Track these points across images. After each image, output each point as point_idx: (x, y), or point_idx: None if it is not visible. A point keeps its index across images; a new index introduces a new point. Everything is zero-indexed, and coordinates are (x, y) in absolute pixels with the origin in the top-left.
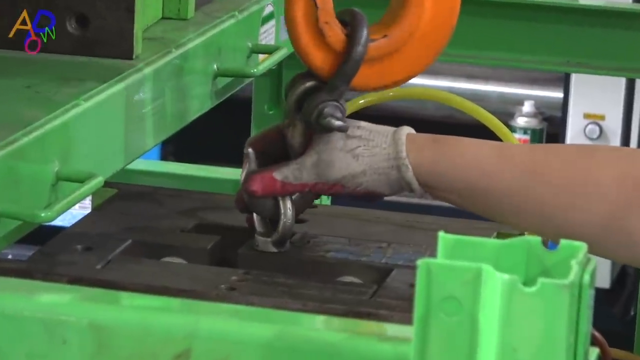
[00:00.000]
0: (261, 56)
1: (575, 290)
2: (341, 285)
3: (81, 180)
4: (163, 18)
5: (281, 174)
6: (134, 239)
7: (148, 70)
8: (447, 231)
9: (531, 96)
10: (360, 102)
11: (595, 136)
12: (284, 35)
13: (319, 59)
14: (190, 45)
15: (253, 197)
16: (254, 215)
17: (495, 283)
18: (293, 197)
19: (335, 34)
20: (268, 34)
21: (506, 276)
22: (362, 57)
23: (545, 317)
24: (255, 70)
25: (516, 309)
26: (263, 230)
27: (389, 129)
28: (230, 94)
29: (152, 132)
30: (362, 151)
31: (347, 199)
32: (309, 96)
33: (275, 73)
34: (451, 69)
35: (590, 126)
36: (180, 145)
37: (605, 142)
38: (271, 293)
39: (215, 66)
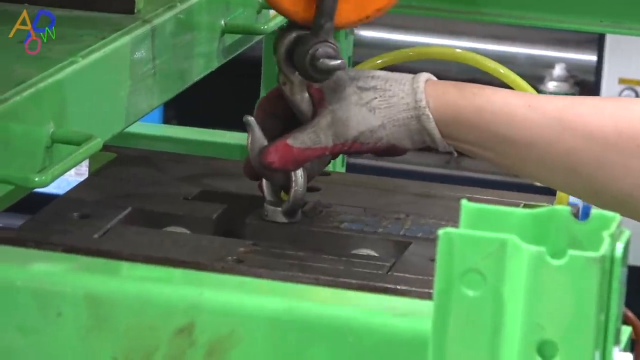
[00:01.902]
0: (272, 12)
1: (607, 263)
2: (356, 259)
3: (78, 143)
4: None
5: (297, 140)
6: (133, 207)
7: (150, 25)
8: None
9: (562, 59)
10: (378, 62)
11: None
12: None
13: (290, 3)
14: None
15: (272, 172)
16: (264, 182)
17: (520, 255)
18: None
19: None
20: None
21: (533, 248)
22: None
23: (573, 293)
24: (265, 26)
25: (543, 283)
26: (273, 199)
27: (407, 76)
28: (238, 52)
29: (154, 93)
30: (379, 103)
31: (362, 168)
32: (296, 47)
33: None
34: (475, 29)
35: (625, 92)
36: (183, 108)
37: None
38: (281, 266)
39: (222, 22)
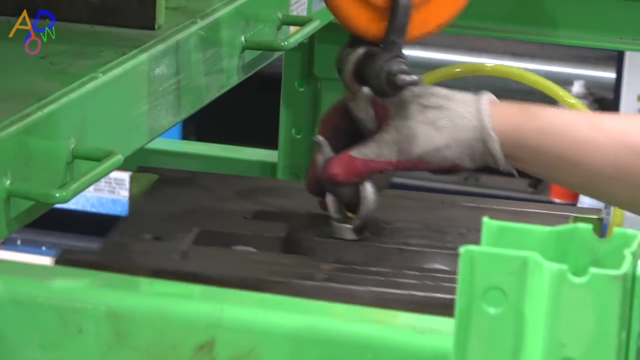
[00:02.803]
0: (292, 28)
1: (629, 282)
2: (439, 274)
3: (98, 159)
4: None
5: (360, 152)
6: (200, 227)
7: (171, 41)
8: (520, 214)
9: (581, 76)
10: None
11: None
12: (317, 6)
13: (364, 20)
14: (217, 15)
15: (335, 185)
16: (329, 199)
17: (542, 273)
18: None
19: None
20: (300, 4)
21: (554, 266)
22: (410, 3)
23: (595, 311)
24: (285, 43)
25: (565, 301)
26: (339, 216)
27: (469, 96)
28: (258, 68)
29: (175, 109)
30: (445, 123)
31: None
32: (366, 63)
33: (307, 47)
34: (495, 46)
35: None
36: (203, 124)
37: None
38: (371, 283)
39: (243, 38)
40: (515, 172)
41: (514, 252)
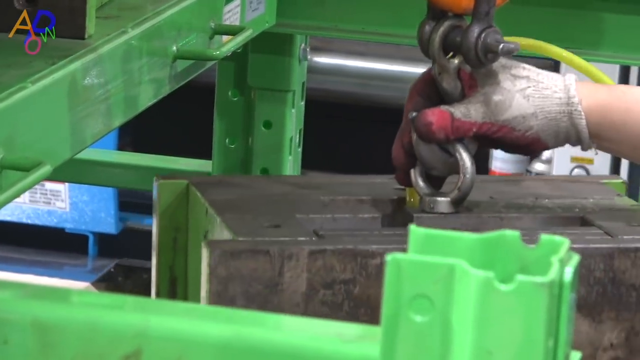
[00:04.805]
0: (225, 37)
1: (555, 289)
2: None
3: (27, 169)
4: None
5: (448, 111)
6: (300, 215)
7: (101, 51)
8: (553, 182)
9: None
10: None
11: None
12: (250, 15)
13: None
14: (148, 24)
15: (429, 133)
16: (417, 171)
17: (469, 280)
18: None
19: None
20: (233, 13)
21: (481, 273)
22: None
23: (522, 318)
24: (217, 52)
25: (492, 308)
26: (428, 191)
27: (555, 73)
28: (190, 77)
29: (105, 119)
30: (532, 92)
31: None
32: (456, 35)
33: (240, 56)
34: None
35: (576, 170)
36: (138, 134)
37: None
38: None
39: (174, 48)
40: (596, 151)
41: (440, 260)
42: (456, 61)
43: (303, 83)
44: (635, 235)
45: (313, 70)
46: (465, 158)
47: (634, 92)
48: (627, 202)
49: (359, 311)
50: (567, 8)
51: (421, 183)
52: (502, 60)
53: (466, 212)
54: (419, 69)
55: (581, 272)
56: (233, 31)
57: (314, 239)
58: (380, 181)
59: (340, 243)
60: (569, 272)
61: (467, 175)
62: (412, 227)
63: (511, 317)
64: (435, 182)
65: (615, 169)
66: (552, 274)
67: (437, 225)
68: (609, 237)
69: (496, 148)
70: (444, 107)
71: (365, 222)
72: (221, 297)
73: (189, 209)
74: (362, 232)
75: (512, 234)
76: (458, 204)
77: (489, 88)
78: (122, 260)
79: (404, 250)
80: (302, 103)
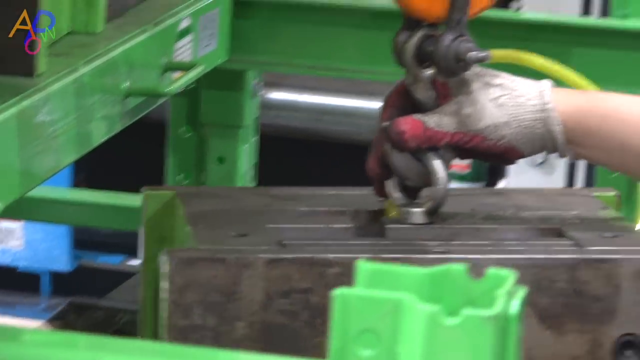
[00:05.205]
0: (176, 74)
1: (501, 322)
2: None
3: None
4: (70, 32)
5: (421, 119)
6: (270, 225)
7: (52, 89)
8: (543, 196)
9: None
10: None
11: None
12: (202, 51)
13: (425, 2)
14: (99, 61)
15: (402, 142)
16: (392, 182)
17: (415, 315)
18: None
19: None
20: (184, 49)
21: (427, 307)
22: None
23: (469, 352)
24: (170, 88)
25: (438, 342)
26: (404, 202)
27: (530, 80)
28: (143, 114)
29: (57, 156)
30: (506, 100)
31: None
32: (429, 44)
33: (192, 92)
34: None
35: None
36: (93, 171)
37: None
38: (484, 252)
39: (126, 84)
40: (573, 158)
41: (387, 294)
42: (430, 71)
43: (256, 118)
44: (604, 246)
45: (266, 105)
46: (438, 168)
47: (611, 98)
48: (610, 214)
49: (317, 321)
50: None
51: (396, 194)
52: (476, 69)
53: (441, 223)
54: (372, 103)
55: (544, 283)
56: (185, 67)
57: (274, 247)
58: (366, 193)
59: (299, 252)
60: (515, 305)
61: (441, 186)
62: (359, 263)
63: (458, 351)
64: (412, 193)
65: (570, 176)
66: (498, 308)
67: (410, 236)
68: (577, 248)
69: (471, 157)
70: (416, 116)
71: (337, 233)
72: (179, 305)
73: (175, 220)
74: (327, 242)
75: (458, 268)
76: (432, 214)
77: (462, 97)
78: (76, 298)
79: (364, 258)
80: (256, 138)
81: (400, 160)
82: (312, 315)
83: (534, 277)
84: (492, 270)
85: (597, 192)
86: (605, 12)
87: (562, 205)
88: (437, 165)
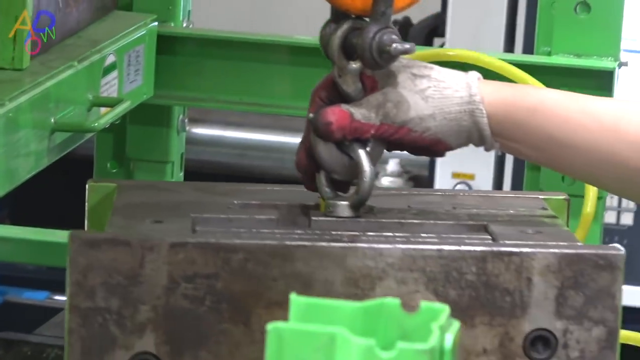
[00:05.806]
0: (103, 109)
1: (436, 355)
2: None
3: None
4: None
5: (349, 110)
6: (194, 214)
7: None
8: (489, 199)
9: (396, 154)
10: None
11: None
12: (128, 87)
13: None
14: (24, 97)
15: (328, 133)
16: (321, 176)
17: (350, 349)
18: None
19: None
20: (110, 85)
21: (362, 341)
22: None
23: None
24: (96, 124)
25: None
26: (331, 195)
27: (459, 72)
28: (69, 150)
29: None
30: (433, 92)
31: None
32: (354, 37)
33: (118, 127)
34: None
35: (459, 186)
36: (17, 207)
37: None
38: (395, 242)
39: (52, 120)
40: (499, 151)
41: (321, 328)
42: (357, 64)
43: (182, 154)
44: (520, 240)
45: (191, 141)
46: (364, 161)
47: (541, 92)
48: (545, 213)
49: (222, 306)
50: None
51: (325, 188)
52: (404, 61)
53: (371, 217)
54: (297, 139)
55: (452, 275)
56: (111, 103)
57: (183, 233)
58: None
59: (207, 237)
60: (449, 339)
61: (366, 179)
62: (293, 297)
63: None
64: (342, 187)
65: (498, 184)
66: (433, 341)
67: (334, 229)
68: (490, 241)
69: (399, 149)
70: (344, 106)
71: (260, 223)
72: (81, 286)
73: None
74: (240, 230)
75: (392, 302)
76: (357, 207)
77: (388, 89)
78: (2, 334)
79: (267, 245)
80: (182, 174)
81: (326, 153)
82: (216, 301)
83: (442, 268)
84: (425, 304)
85: (547, 196)
86: (528, 48)
87: (502, 206)
88: (363, 157)
